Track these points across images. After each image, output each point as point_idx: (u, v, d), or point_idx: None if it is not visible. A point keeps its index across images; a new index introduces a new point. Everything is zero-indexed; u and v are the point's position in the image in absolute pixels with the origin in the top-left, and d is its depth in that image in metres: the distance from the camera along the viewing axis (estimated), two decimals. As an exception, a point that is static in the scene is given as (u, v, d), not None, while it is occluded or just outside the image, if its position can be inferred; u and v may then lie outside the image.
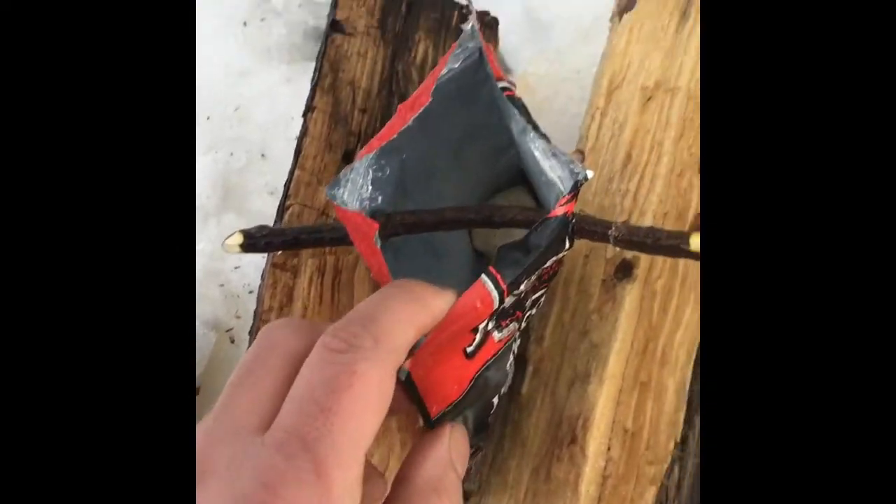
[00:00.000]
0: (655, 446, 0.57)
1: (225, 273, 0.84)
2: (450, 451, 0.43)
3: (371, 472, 0.45)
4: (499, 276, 0.50)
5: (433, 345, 0.49)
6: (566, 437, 0.59)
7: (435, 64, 0.78)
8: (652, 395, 0.58)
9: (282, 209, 0.68)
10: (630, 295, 0.61)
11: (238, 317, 0.82)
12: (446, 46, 0.79)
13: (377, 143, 0.57)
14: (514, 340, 0.59)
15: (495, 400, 0.60)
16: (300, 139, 0.71)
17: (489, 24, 0.82)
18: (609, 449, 0.57)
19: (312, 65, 1.10)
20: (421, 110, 0.56)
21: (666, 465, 0.56)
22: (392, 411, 0.42)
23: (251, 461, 0.33)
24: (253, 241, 0.58)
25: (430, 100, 0.56)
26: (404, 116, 0.57)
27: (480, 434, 0.62)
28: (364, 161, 0.56)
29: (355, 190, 0.56)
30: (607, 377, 0.59)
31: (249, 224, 0.87)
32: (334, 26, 0.75)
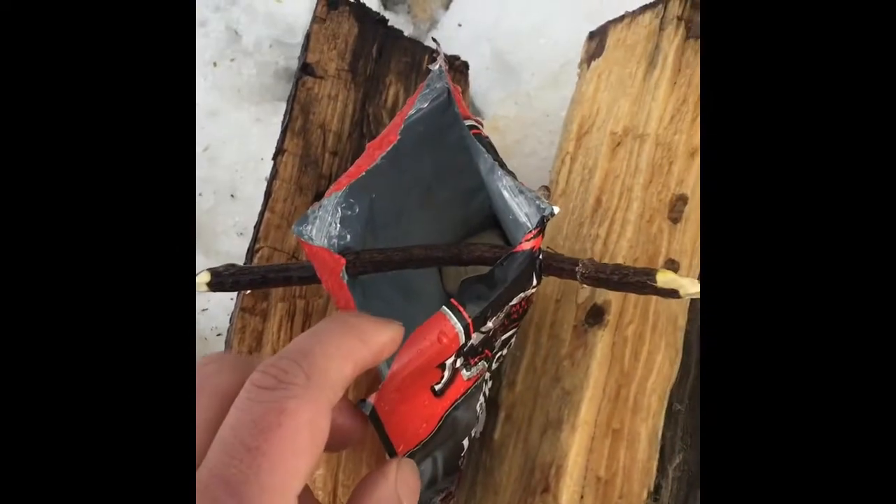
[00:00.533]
0: (629, 495, 0.56)
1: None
2: (396, 487, 0.41)
3: None
4: (462, 310, 0.49)
5: (398, 379, 0.48)
6: (539, 485, 0.58)
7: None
8: (625, 443, 0.58)
9: (251, 252, 0.67)
10: (601, 341, 0.61)
11: (200, 360, 0.81)
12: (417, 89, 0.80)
13: (346, 180, 0.56)
14: (485, 381, 0.59)
15: (465, 442, 0.60)
16: (270, 182, 0.70)
17: (459, 69, 0.83)
18: (582, 497, 0.57)
19: (283, 105, 1.10)
20: (389, 148, 0.56)
21: (639, 514, 0.55)
22: (357, 445, 0.40)
23: None
24: (220, 279, 0.57)
25: (399, 138, 0.56)
26: (372, 155, 0.57)
27: (451, 477, 0.61)
28: (332, 198, 0.56)
29: (323, 227, 0.56)
30: (580, 424, 0.58)
31: (218, 264, 0.87)
32: (305, 69, 0.75)
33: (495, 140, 0.61)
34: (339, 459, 0.62)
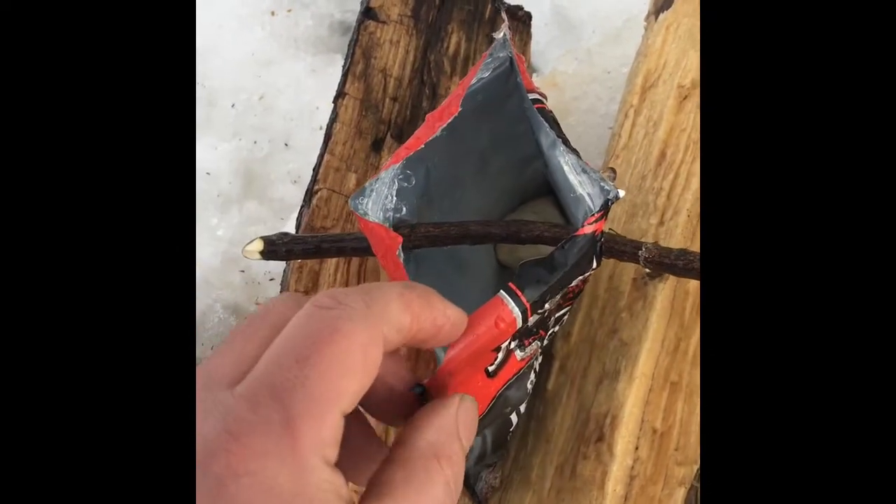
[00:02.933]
0: (685, 447, 0.55)
1: (247, 259, 0.83)
2: (457, 420, 0.40)
3: (368, 432, 0.43)
4: (521, 294, 0.48)
5: (453, 364, 0.48)
6: (593, 434, 0.57)
7: (467, 56, 0.77)
8: (682, 396, 0.57)
9: (310, 194, 0.67)
10: (662, 294, 0.60)
11: (258, 303, 0.81)
12: (479, 39, 0.78)
13: (404, 152, 0.56)
14: (536, 359, 0.58)
15: (514, 417, 0.59)
16: (330, 124, 0.70)
17: (522, 20, 0.82)
18: (637, 448, 0.56)
19: (338, 57, 1.10)
20: (450, 120, 0.55)
21: (696, 467, 0.55)
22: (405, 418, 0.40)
23: (219, 409, 0.32)
24: (273, 248, 0.57)
25: (460, 110, 0.55)
26: (433, 126, 0.56)
27: (498, 452, 0.61)
28: (390, 171, 0.55)
29: (379, 200, 0.55)
30: (637, 376, 0.58)
31: (272, 212, 0.87)
32: (368, 13, 0.74)
33: (553, 96, 0.60)
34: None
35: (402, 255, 0.51)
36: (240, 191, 0.90)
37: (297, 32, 1.09)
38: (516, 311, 0.48)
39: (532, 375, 0.59)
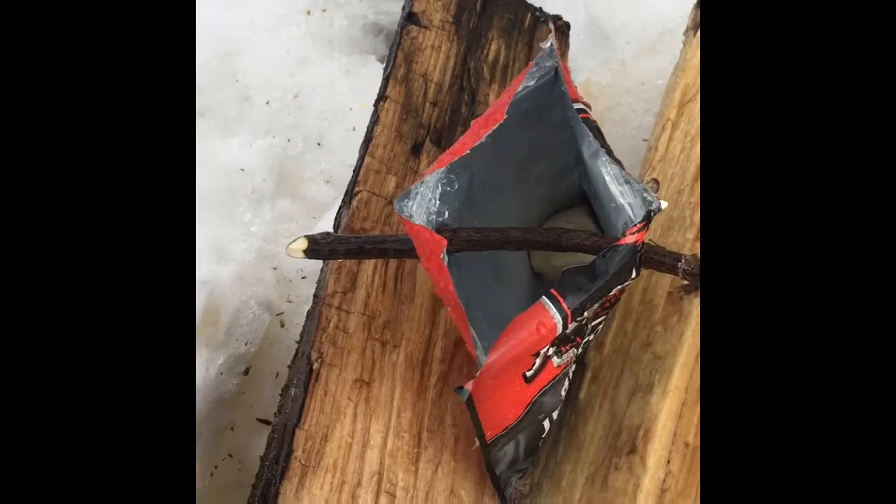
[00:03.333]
0: (717, 462, 0.56)
1: (279, 257, 0.84)
2: None
3: None
4: (562, 301, 0.49)
5: (495, 368, 0.48)
6: (625, 446, 0.58)
7: (506, 64, 0.78)
8: (716, 411, 0.57)
9: (349, 195, 0.68)
10: (698, 309, 0.60)
11: (290, 301, 0.82)
12: (518, 47, 0.79)
13: (449, 157, 0.56)
14: (570, 366, 0.59)
15: (546, 424, 0.60)
16: (371, 127, 0.70)
17: (561, 29, 0.82)
18: (669, 462, 0.57)
19: (371, 58, 1.10)
20: (495, 127, 0.56)
21: (728, 483, 0.55)
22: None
23: None
24: (317, 247, 0.57)
25: (505, 117, 0.56)
26: (478, 132, 0.57)
27: (530, 458, 0.61)
28: (434, 175, 0.56)
29: (423, 203, 0.56)
30: (671, 389, 0.58)
31: (304, 210, 0.88)
32: (410, 18, 0.75)
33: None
34: (424, 406, 0.62)
35: (446, 258, 0.52)
36: (273, 188, 0.91)
37: (332, 33, 1.09)
38: (557, 318, 0.49)
39: (566, 383, 0.59)
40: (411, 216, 0.53)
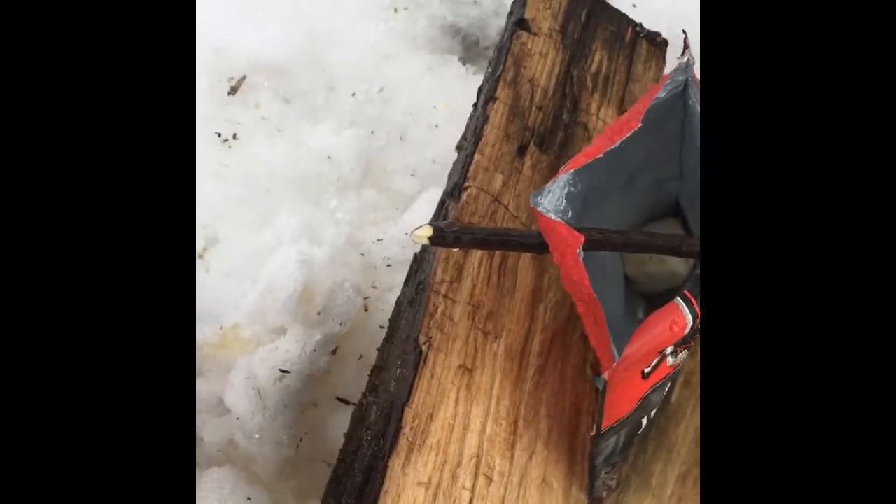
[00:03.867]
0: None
1: (366, 244, 0.87)
2: None
3: None
4: (695, 302, 0.52)
5: (629, 360, 0.51)
6: (719, 449, 0.60)
7: (607, 75, 0.80)
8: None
9: (459, 189, 0.70)
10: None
11: (374, 287, 0.85)
12: (619, 59, 0.82)
13: (583, 159, 0.59)
14: (679, 368, 0.61)
15: (644, 420, 0.62)
16: (481, 126, 0.73)
17: (659, 45, 0.85)
18: (761, 466, 0.59)
19: (453, 58, 1.13)
20: (630, 133, 0.59)
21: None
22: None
23: None
24: (442, 234, 0.60)
25: (640, 125, 0.59)
26: (611, 137, 0.59)
27: (624, 452, 0.64)
28: (567, 175, 0.59)
29: (553, 200, 0.59)
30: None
31: (389, 201, 0.91)
32: (520, 24, 0.78)
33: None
34: (521, 396, 0.65)
35: (581, 254, 0.54)
36: (359, 177, 0.94)
37: (416, 30, 1.12)
38: (689, 317, 0.51)
39: (669, 383, 0.62)
40: (547, 211, 0.55)
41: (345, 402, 0.80)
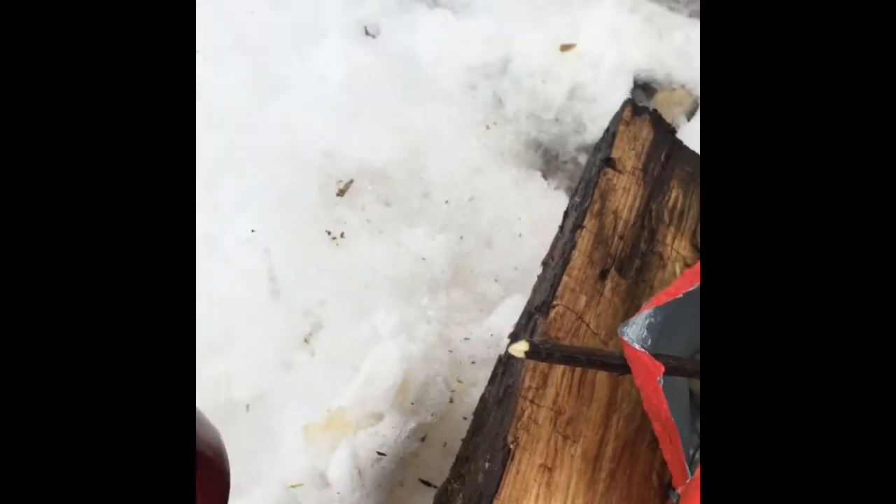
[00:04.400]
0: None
1: (454, 342, 0.97)
2: None
3: None
4: None
5: (698, 479, 0.60)
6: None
7: (682, 210, 0.90)
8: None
9: (547, 306, 0.80)
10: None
11: (460, 381, 0.94)
12: (693, 197, 0.92)
13: (665, 297, 0.69)
14: None
15: None
16: (569, 251, 0.83)
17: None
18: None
19: (537, 174, 1.25)
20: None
21: None
22: None
23: None
24: (536, 349, 0.70)
25: None
26: (692, 280, 0.69)
27: None
28: (648, 311, 0.68)
29: (637, 331, 0.68)
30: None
31: (474, 303, 1.01)
32: (608, 161, 0.89)
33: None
34: (593, 497, 0.73)
35: (662, 381, 0.63)
36: (449, 279, 1.04)
37: (504, 145, 1.25)
38: None
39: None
40: (632, 341, 0.65)
41: (428, 484, 0.89)
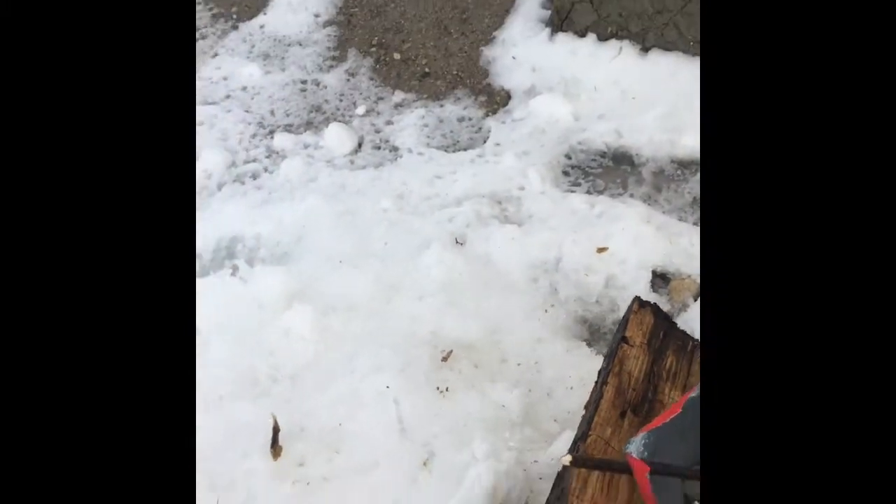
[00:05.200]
0: None
1: (526, 463, 1.41)
2: None
3: None
4: None
5: None
6: None
7: (676, 371, 1.36)
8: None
9: (584, 435, 1.25)
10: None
11: (531, 491, 1.38)
12: (684, 362, 1.38)
13: (658, 421, 1.14)
14: None
15: None
16: (598, 399, 1.30)
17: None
18: None
19: (583, 344, 1.72)
20: (681, 411, 1.14)
21: None
22: None
23: None
24: (581, 461, 1.15)
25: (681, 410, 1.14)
26: (674, 409, 1.15)
27: None
28: (645, 433, 1.14)
29: (637, 447, 1.13)
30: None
31: (540, 436, 1.47)
32: (625, 339, 1.36)
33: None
34: None
35: (649, 478, 1.07)
36: (522, 420, 1.50)
37: (559, 322, 1.73)
38: None
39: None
40: (633, 453, 1.10)
41: (510, 562, 1.31)
